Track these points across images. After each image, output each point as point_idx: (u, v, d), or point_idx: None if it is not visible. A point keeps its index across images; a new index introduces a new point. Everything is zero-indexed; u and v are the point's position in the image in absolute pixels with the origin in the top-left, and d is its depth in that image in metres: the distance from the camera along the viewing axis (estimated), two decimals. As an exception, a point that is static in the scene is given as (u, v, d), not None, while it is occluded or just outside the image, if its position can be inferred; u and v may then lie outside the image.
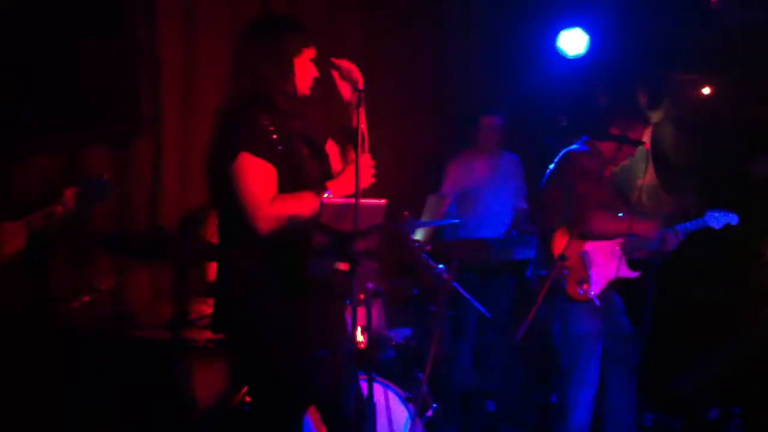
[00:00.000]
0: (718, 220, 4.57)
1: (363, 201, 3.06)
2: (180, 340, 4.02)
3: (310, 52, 3.30)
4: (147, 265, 4.60)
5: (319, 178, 3.26)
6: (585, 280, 4.43)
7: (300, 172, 3.21)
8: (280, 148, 3.15)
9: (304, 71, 3.29)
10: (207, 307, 4.32)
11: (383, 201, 3.19)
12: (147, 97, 4.77)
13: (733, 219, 4.59)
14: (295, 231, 3.09)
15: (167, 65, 4.80)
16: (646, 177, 4.89)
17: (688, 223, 4.56)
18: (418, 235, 5.44)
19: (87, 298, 3.91)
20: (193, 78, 4.94)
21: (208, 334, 4.08)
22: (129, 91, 4.69)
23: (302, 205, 3.12)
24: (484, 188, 5.80)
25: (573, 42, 5.97)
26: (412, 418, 3.98)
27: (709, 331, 5.70)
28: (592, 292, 4.44)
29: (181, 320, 4.09)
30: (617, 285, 4.61)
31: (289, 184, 3.16)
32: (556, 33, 5.97)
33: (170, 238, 4.09)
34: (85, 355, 3.98)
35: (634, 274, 4.57)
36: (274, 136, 3.15)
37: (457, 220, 5.59)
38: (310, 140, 3.35)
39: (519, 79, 6.15)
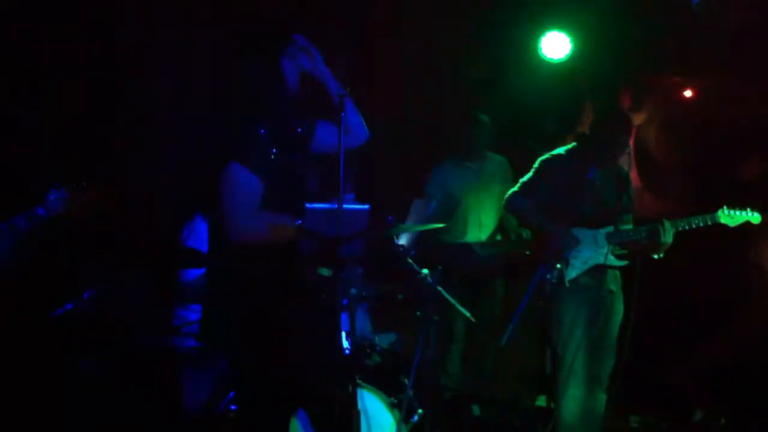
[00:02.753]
0: (733, 217, 4.59)
1: (346, 206, 3.06)
2: (166, 347, 4.01)
3: (294, 48, 3.29)
4: (134, 270, 4.57)
5: (314, 191, 3.26)
6: (558, 262, 4.46)
7: (296, 185, 3.20)
8: (277, 159, 3.14)
9: (293, 68, 3.29)
10: (191, 314, 4.33)
11: (366, 206, 3.19)
12: (142, 98, 4.76)
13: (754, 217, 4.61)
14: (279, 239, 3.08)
15: (162, 67, 4.80)
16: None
17: (692, 218, 4.57)
18: (403, 239, 5.43)
19: (73, 305, 3.89)
20: (187, 81, 4.92)
21: (193, 341, 4.07)
22: (123, 92, 4.69)
23: (278, 228, 3.11)
24: (466, 193, 5.79)
25: (556, 46, 5.99)
26: (398, 423, 3.97)
27: (695, 332, 5.72)
28: (566, 276, 4.48)
29: (166, 327, 4.07)
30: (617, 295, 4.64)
31: (281, 195, 3.15)
32: (539, 37, 5.99)
33: (158, 245, 4.09)
34: (73, 361, 3.96)
35: (621, 263, 4.59)
36: (273, 149, 3.15)
37: (442, 225, 5.57)
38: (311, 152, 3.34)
39: (504, 83, 6.15)
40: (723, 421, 5.37)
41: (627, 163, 4.74)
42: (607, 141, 4.59)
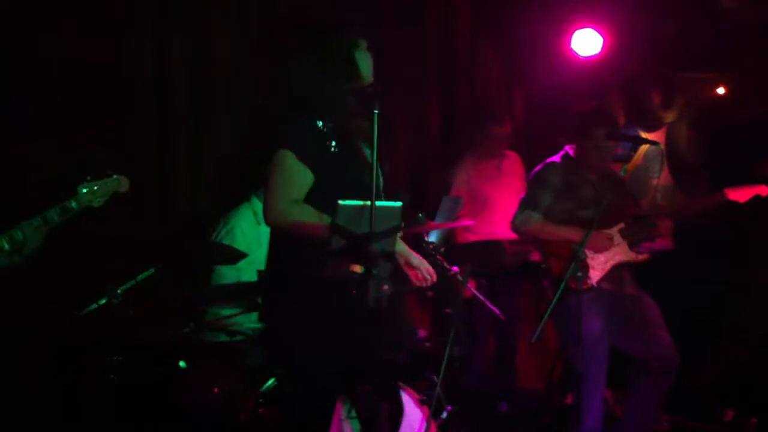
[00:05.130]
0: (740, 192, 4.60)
1: (379, 203, 3.05)
2: (186, 342, 4.02)
3: (364, 42, 3.35)
4: (153, 268, 4.59)
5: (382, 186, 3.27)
6: (582, 269, 4.44)
7: (354, 176, 3.21)
8: (334, 149, 3.15)
9: (365, 61, 3.33)
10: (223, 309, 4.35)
11: (399, 203, 3.18)
12: (157, 99, 4.77)
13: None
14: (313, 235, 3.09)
15: (177, 68, 4.80)
16: (660, 177, 4.89)
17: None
18: (433, 236, 5.43)
19: (107, 301, 3.89)
20: (203, 80, 4.93)
21: (225, 336, 4.09)
22: (137, 94, 4.70)
23: (315, 226, 3.11)
24: (492, 191, 5.79)
25: (587, 42, 5.97)
26: (427, 420, 3.97)
27: (725, 330, 5.69)
28: (590, 281, 4.47)
29: (187, 322, 4.09)
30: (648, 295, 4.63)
31: (339, 186, 3.14)
32: (570, 33, 5.97)
33: (178, 242, 4.10)
34: (88, 358, 3.97)
35: (642, 257, 4.57)
36: (330, 141, 3.16)
37: (471, 222, 5.58)
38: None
39: (533, 79, 6.14)
40: (755, 420, 5.34)
41: (659, 160, 4.72)
42: (589, 146, 4.55)
